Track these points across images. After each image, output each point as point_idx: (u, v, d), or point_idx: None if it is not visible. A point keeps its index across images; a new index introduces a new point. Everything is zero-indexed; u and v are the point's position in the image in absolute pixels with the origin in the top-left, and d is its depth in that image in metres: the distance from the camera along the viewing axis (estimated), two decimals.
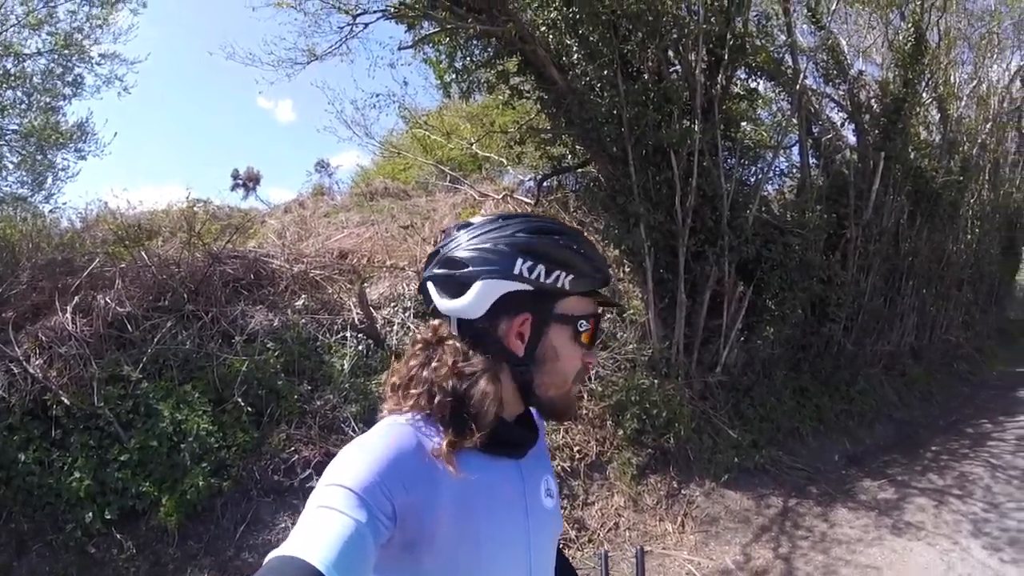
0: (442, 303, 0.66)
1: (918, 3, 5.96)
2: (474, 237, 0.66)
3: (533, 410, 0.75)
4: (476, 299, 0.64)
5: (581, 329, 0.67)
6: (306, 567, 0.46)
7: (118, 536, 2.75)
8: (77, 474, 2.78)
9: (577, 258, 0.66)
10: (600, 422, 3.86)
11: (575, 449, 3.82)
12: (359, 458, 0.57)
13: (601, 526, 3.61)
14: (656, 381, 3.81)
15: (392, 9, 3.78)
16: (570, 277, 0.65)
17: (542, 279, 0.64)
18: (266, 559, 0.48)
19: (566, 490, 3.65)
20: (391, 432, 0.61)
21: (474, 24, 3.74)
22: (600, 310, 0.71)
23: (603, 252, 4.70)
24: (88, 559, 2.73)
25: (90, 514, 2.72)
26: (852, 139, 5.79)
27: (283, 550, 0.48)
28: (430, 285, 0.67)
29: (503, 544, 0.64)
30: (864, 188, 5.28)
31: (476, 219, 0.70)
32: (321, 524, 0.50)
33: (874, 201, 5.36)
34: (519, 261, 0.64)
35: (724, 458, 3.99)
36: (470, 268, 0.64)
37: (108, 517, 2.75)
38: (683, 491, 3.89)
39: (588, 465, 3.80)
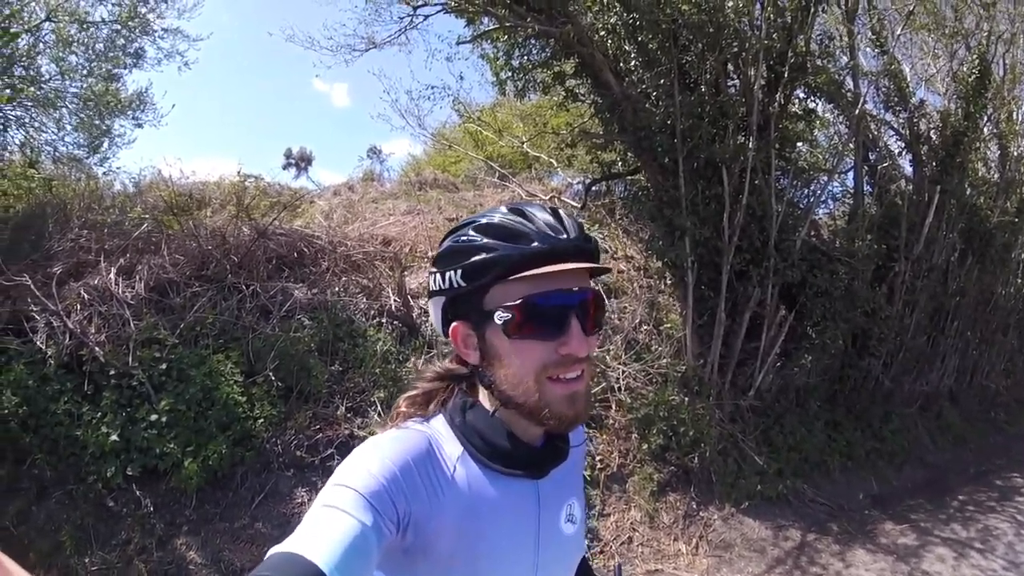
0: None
1: (985, 34, 5.72)
2: None
3: (576, 439, 0.72)
4: (434, 320, 0.67)
5: (499, 322, 0.58)
6: (308, 565, 0.45)
7: (137, 492, 2.83)
8: (104, 429, 2.86)
9: (465, 246, 0.60)
10: (625, 434, 3.80)
11: (597, 459, 3.77)
12: (370, 461, 0.56)
13: (615, 539, 3.56)
14: (686, 399, 3.72)
15: (452, 3, 3.79)
16: (459, 272, 0.60)
17: (441, 285, 0.63)
18: (268, 553, 0.46)
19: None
20: (404, 438, 0.60)
21: (533, 23, 3.72)
22: (540, 291, 0.58)
23: (643, 262, 4.70)
24: (105, 511, 2.81)
25: (112, 468, 2.80)
26: (908, 169, 5.59)
27: (286, 546, 0.47)
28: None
29: (503, 565, 0.61)
30: (917, 221, 5.09)
31: None
32: (326, 523, 0.50)
33: (926, 235, 5.15)
34: (434, 276, 0.64)
35: (747, 484, 3.89)
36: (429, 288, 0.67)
37: (130, 473, 2.83)
38: (701, 513, 3.82)
39: (608, 476, 3.75)
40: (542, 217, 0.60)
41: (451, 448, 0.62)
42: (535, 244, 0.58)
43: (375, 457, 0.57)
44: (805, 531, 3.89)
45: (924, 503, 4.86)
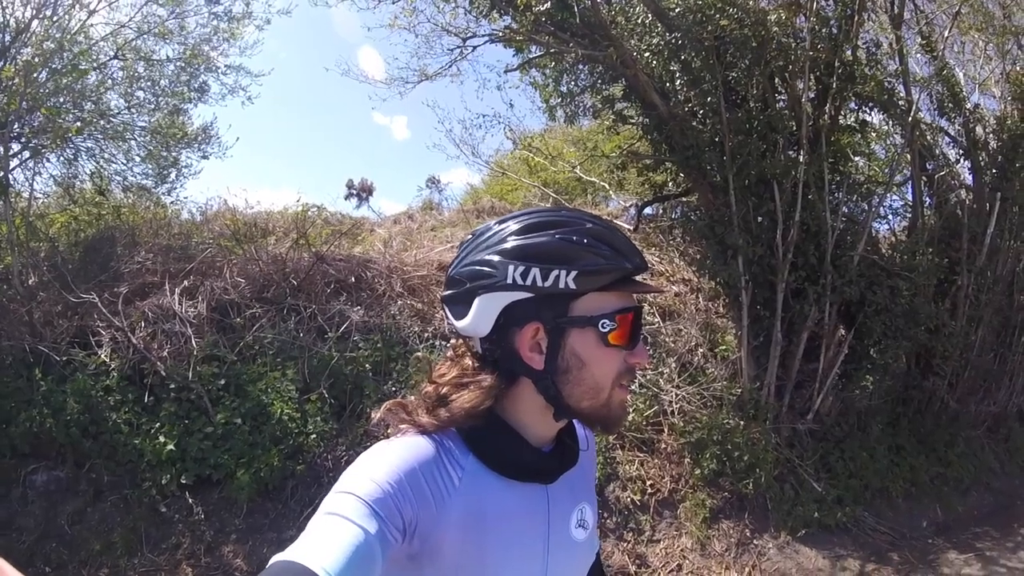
0: (456, 323, 0.63)
1: None
2: (468, 252, 0.63)
3: (581, 434, 0.71)
4: (477, 316, 0.61)
5: (604, 329, 0.59)
6: (309, 574, 0.44)
7: (190, 500, 2.94)
8: (162, 439, 3.00)
9: (579, 250, 0.59)
10: (678, 458, 3.72)
11: (648, 483, 3.69)
12: (375, 468, 0.56)
13: (663, 566, 3.47)
14: (742, 422, 3.62)
15: (499, 33, 3.88)
16: (573, 274, 0.58)
17: (539, 283, 0.58)
18: (270, 561, 0.46)
19: (632, 524, 3.54)
20: (411, 444, 0.59)
21: (576, 48, 3.77)
22: (637, 301, 0.63)
23: (698, 283, 4.61)
24: (158, 516, 2.92)
25: (167, 476, 2.93)
26: (968, 178, 5.33)
27: (288, 554, 0.46)
28: (444, 307, 0.65)
29: (511, 572, 0.61)
30: (978, 231, 4.83)
31: (478, 227, 0.66)
32: (329, 531, 0.49)
33: (989, 246, 4.89)
34: (511, 268, 0.59)
35: (804, 511, 3.73)
36: (467, 285, 0.61)
37: (184, 482, 2.95)
38: (755, 541, 3.68)
39: (659, 501, 3.67)
40: (620, 233, 0.64)
41: (459, 454, 0.61)
42: (636, 260, 0.62)
43: (381, 464, 0.56)
44: (864, 561, 3.71)
45: (991, 531, 4.56)
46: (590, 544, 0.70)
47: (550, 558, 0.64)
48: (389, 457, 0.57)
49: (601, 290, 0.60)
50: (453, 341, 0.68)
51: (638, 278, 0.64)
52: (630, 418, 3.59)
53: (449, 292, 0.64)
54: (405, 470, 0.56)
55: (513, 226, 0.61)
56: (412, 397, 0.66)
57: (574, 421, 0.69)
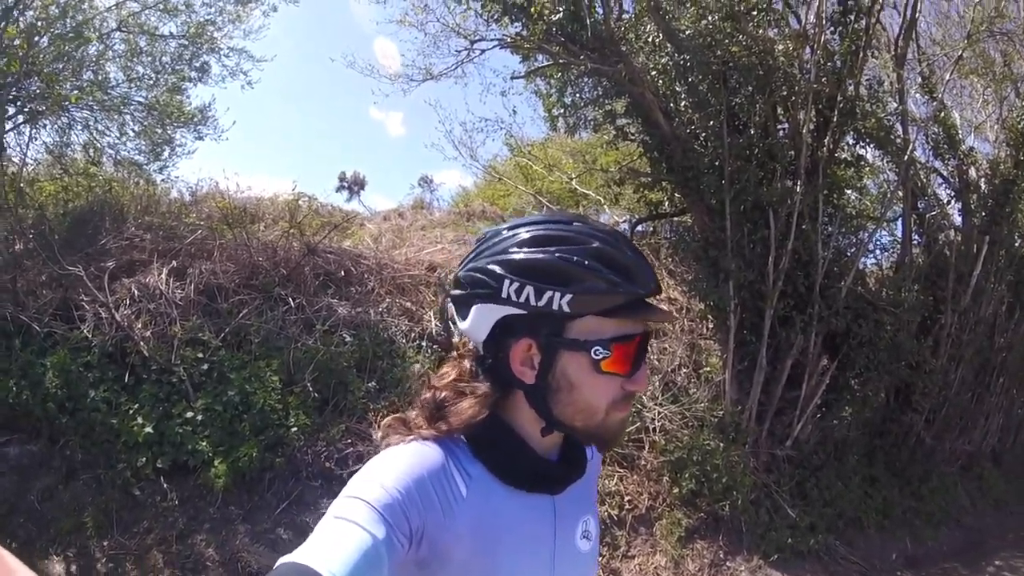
0: (459, 323, 0.62)
1: None
2: (476, 254, 0.61)
3: (588, 451, 0.70)
4: (474, 323, 0.60)
5: (596, 356, 0.56)
6: None
7: (165, 485, 2.87)
8: (140, 420, 2.92)
9: (579, 272, 0.55)
10: (657, 476, 3.73)
11: (626, 499, 3.70)
12: (384, 473, 0.55)
13: None
14: (722, 444, 3.64)
15: (509, 39, 3.89)
16: (567, 297, 0.55)
17: (532, 301, 0.56)
18: (277, 563, 0.46)
19: (608, 538, 3.54)
20: (420, 451, 0.59)
21: (586, 61, 3.79)
22: (647, 327, 0.60)
23: (686, 303, 4.65)
24: (131, 499, 2.85)
25: (143, 459, 2.86)
26: (958, 219, 5.44)
27: (295, 557, 0.46)
28: (449, 304, 0.65)
29: None
30: (965, 272, 4.93)
31: (490, 229, 0.63)
32: (337, 536, 0.49)
33: (974, 287, 4.99)
34: (507, 283, 0.56)
35: (777, 536, 3.77)
36: (468, 290, 0.60)
37: (159, 466, 2.88)
38: (728, 563, 3.71)
39: (636, 517, 3.67)
40: (634, 253, 0.60)
41: (467, 462, 0.60)
42: (647, 286, 0.58)
43: (389, 470, 0.56)
44: None
45: (959, 567, 4.63)
46: (593, 555, 0.69)
47: (556, 568, 0.63)
48: (398, 463, 0.57)
49: (602, 314, 0.57)
50: (456, 340, 0.68)
51: (653, 301, 0.60)
52: None
53: (455, 292, 0.63)
54: (413, 476, 0.56)
55: (521, 235, 0.59)
56: (413, 412, 0.64)
57: None
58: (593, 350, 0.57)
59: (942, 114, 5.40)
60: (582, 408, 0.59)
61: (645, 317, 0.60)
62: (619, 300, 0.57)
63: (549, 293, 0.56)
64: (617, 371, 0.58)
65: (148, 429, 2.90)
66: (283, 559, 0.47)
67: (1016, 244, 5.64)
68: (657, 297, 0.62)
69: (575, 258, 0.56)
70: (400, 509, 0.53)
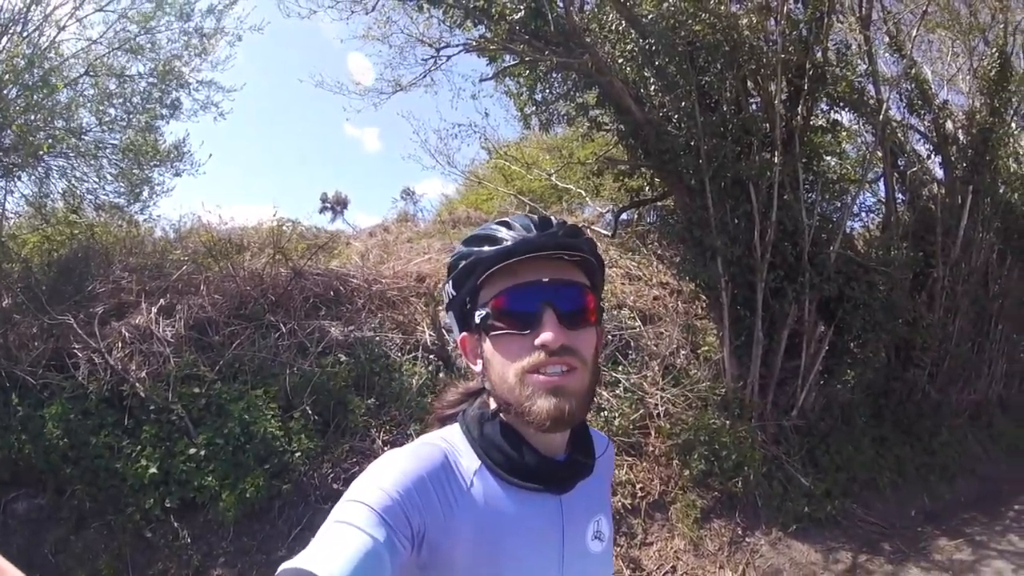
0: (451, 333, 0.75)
1: (1001, 27, 5.62)
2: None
3: (599, 448, 0.70)
4: (452, 328, 0.69)
5: (478, 320, 0.60)
6: None
7: (175, 524, 2.87)
8: (144, 461, 2.92)
9: (456, 259, 0.63)
10: (666, 461, 3.73)
11: (638, 487, 3.70)
12: (384, 476, 0.55)
13: (658, 568, 3.47)
14: (727, 422, 3.65)
15: (474, 42, 3.90)
16: (449, 284, 0.64)
17: (445, 299, 0.67)
18: (279, 570, 0.46)
19: (624, 528, 3.54)
20: (420, 452, 0.59)
21: (551, 57, 3.79)
22: (512, 284, 0.58)
23: (677, 285, 4.62)
24: (143, 542, 2.85)
25: (151, 500, 2.85)
26: (939, 172, 5.46)
27: (296, 562, 0.46)
28: (443, 316, 0.73)
29: None
30: (952, 224, 4.95)
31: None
32: (338, 539, 0.49)
33: (962, 238, 5.01)
34: (447, 288, 0.67)
35: (794, 507, 3.77)
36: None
37: (168, 505, 2.87)
38: (747, 539, 3.71)
39: (650, 504, 3.67)
40: (521, 221, 0.61)
41: (468, 462, 0.60)
42: (507, 243, 0.58)
43: (389, 472, 0.55)
44: (856, 552, 3.76)
45: (978, 516, 4.65)
46: (606, 556, 0.68)
47: (565, 569, 0.62)
48: (398, 465, 0.57)
49: (490, 284, 0.60)
50: (450, 348, 0.81)
51: (545, 255, 0.58)
52: (616, 423, 3.60)
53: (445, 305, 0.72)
54: (413, 478, 0.55)
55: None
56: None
57: (589, 429, 0.69)
58: (477, 315, 0.60)
59: (913, 71, 5.41)
60: (498, 379, 0.59)
61: (526, 270, 0.58)
62: (482, 264, 0.59)
63: (446, 286, 0.65)
64: (508, 327, 0.58)
65: (153, 469, 2.90)
66: (284, 565, 0.46)
67: (1000, 191, 5.66)
68: (567, 254, 0.60)
69: (455, 246, 0.64)
70: (401, 511, 0.52)
